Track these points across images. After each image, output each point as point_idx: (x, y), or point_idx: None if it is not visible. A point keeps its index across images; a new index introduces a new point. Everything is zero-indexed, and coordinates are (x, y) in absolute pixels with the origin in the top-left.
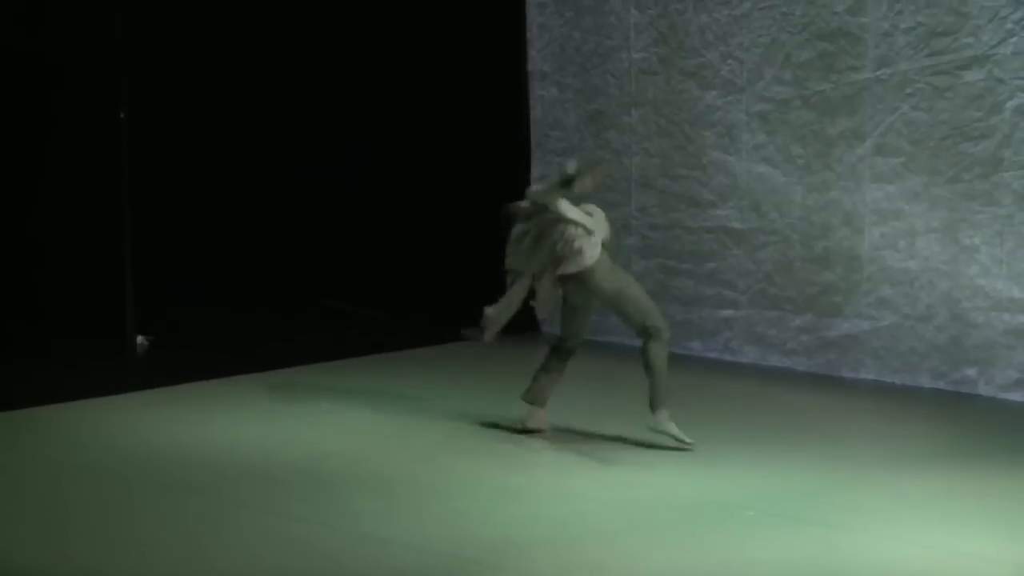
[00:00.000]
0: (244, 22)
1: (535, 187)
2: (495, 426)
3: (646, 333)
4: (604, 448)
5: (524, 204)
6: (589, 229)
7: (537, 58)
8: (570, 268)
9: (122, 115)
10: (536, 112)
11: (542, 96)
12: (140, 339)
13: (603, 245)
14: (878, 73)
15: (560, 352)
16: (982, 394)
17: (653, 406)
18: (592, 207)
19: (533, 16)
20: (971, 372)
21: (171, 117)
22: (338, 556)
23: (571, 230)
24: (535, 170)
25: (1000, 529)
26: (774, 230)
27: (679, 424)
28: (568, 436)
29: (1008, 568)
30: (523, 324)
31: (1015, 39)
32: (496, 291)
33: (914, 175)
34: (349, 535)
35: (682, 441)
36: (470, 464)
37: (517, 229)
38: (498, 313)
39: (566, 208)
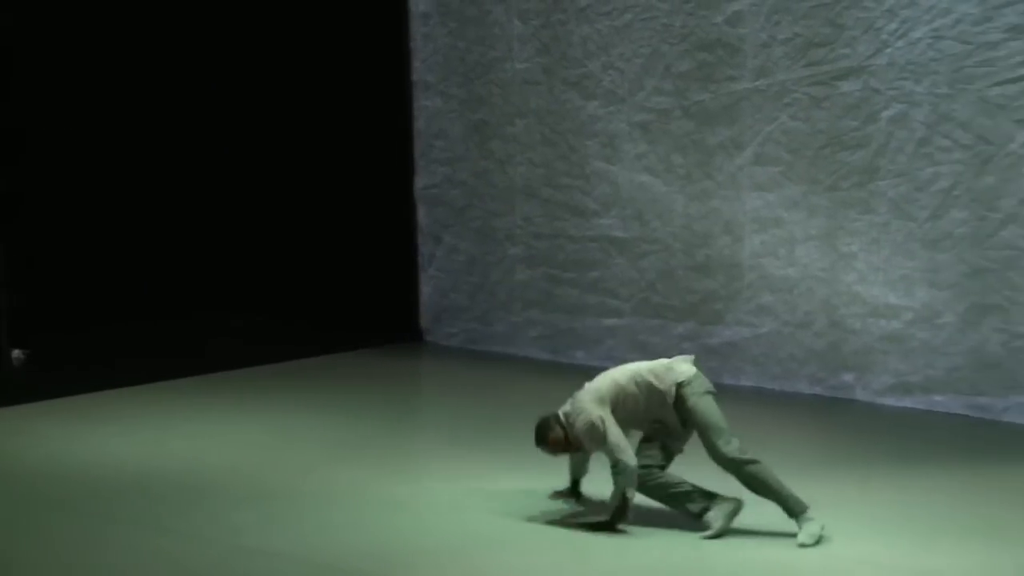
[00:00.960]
0: (119, 32)
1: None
2: (378, 436)
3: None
4: (490, 458)
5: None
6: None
7: (421, 68)
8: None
9: None
10: (420, 123)
11: (426, 106)
12: (16, 353)
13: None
14: (756, 83)
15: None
16: (859, 399)
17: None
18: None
19: (417, 27)
20: (848, 378)
21: (43, 127)
22: (214, 569)
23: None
24: (419, 180)
25: (882, 532)
26: (656, 239)
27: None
28: (454, 446)
29: (891, 573)
30: (404, 332)
31: (889, 50)
32: (378, 300)
33: (793, 184)
34: (227, 548)
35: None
36: (353, 475)
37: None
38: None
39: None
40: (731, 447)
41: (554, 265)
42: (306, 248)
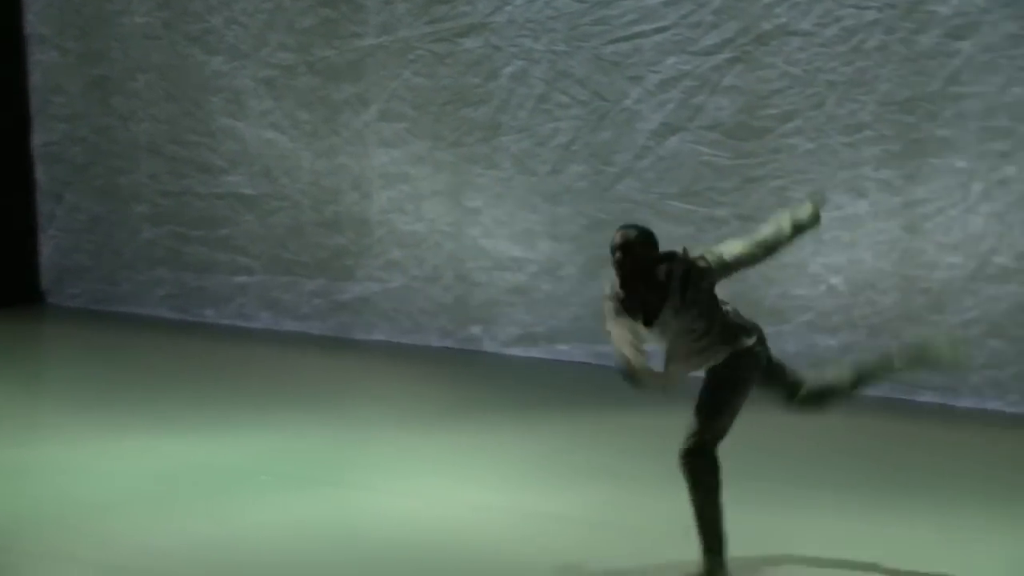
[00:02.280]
0: None
1: None
2: None
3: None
4: (115, 420)
5: None
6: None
7: (34, 21)
8: None
9: None
10: (36, 77)
11: (41, 61)
12: None
13: None
14: (380, 40)
15: None
16: (487, 350)
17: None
18: None
19: None
20: (476, 330)
21: None
22: None
23: None
24: (37, 137)
25: (509, 479)
26: (285, 196)
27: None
28: (79, 410)
29: (518, 516)
30: (23, 294)
31: (509, 7)
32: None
33: (418, 140)
34: None
35: None
36: None
37: None
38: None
39: None
40: None
41: (181, 223)
42: None
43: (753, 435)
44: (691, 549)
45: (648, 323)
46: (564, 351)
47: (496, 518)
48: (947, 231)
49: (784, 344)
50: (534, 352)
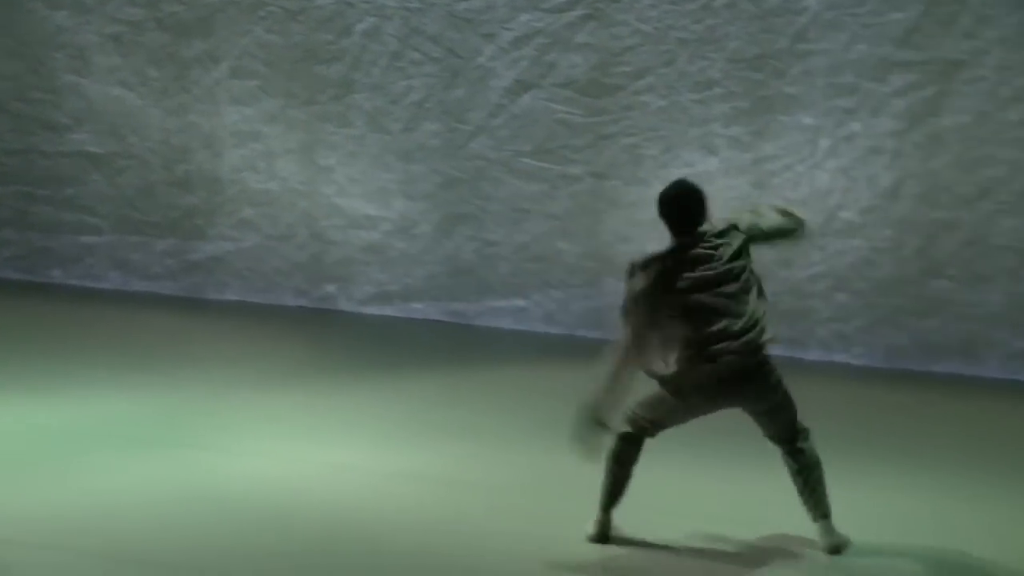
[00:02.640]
0: None
1: None
2: None
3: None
4: None
5: None
6: None
7: None
8: None
9: None
10: None
11: None
12: None
13: None
14: None
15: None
16: (343, 309)
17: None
18: None
19: None
20: (331, 288)
21: None
22: None
23: None
24: None
25: (365, 438)
26: (133, 154)
27: None
28: None
29: (375, 476)
30: None
31: None
32: None
33: (270, 97)
34: None
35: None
36: None
37: None
38: None
39: None
40: None
41: (27, 182)
42: None
43: None
44: (548, 503)
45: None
46: (419, 309)
47: (354, 478)
48: (795, 187)
49: None
50: (389, 311)
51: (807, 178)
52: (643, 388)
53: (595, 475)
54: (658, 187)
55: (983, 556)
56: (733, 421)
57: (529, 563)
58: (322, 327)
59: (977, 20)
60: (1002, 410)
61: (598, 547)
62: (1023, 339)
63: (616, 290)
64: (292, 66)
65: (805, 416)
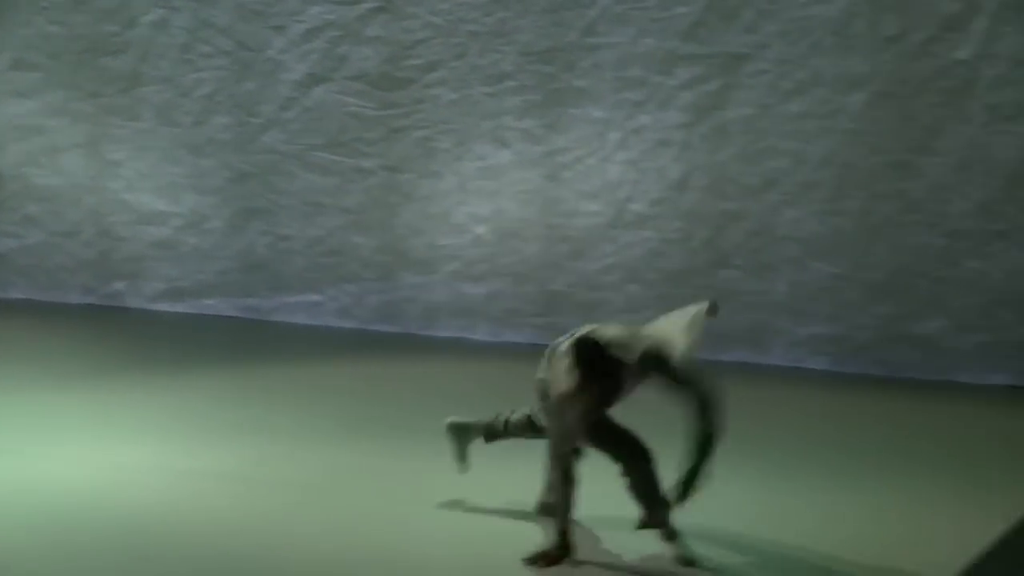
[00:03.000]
0: None
1: None
2: None
3: None
4: None
5: None
6: None
7: None
8: None
9: None
10: None
11: None
12: None
13: None
14: None
15: None
16: (132, 306)
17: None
18: None
19: None
20: (120, 285)
21: None
22: None
23: None
24: None
25: (158, 437)
26: None
27: None
28: None
29: (170, 475)
30: None
31: None
32: None
33: (54, 90)
34: None
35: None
36: None
37: None
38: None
39: None
40: None
41: None
42: None
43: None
44: (346, 500)
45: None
46: (211, 305)
47: (145, 478)
48: (586, 179)
49: (433, 293)
50: (181, 307)
51: (597, 171)
52: None
53: (389, 470)
54: (451, 180)
55: (766, 535)
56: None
57: (332, 561)
58: (111, 325)
59: (758, 14)
60: (786, 396)
61: (396, 543)
62: (805, 327)
63: (411, 284)
64: (76, 58)
65: None
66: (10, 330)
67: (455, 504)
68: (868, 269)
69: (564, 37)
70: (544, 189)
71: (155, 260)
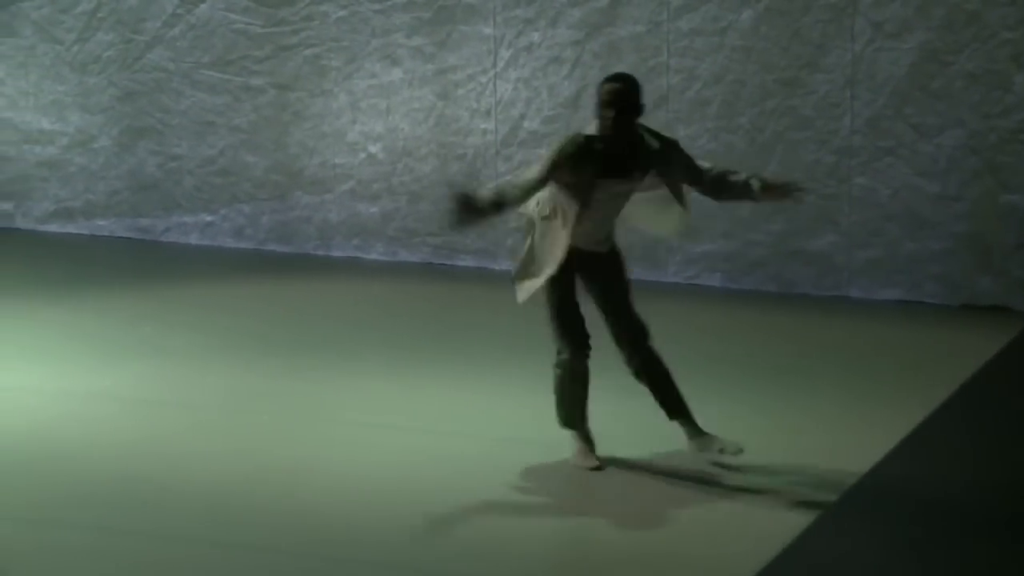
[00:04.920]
0: None
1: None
2: None
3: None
4: None
5: None
6: None
7: None
8: None
9: None
10: None
11: None
12: None
13: None
14: None
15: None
16: (20, 227)
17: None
18: None
19: None
20: (8, 206)
21: None
22: None
23: None
24: None
25: (51, 360)
26: None
27: None
28: None
29: (66, 398)
30: None
31: None
32: None
33: None
34: None
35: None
36: None
37: None
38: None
39: None
40: None
41: None
42: None
43: None
44: (245, 420)
45: (621, 174)
46: (103, 226)
47: (37, 400)
48: (478, 97)
49: (328, 213)
50: (71, 228)
51: (489, 88)
52: None
53: (287, 390)
54: (343, 99)
55: (661, 449)
56: None
57: (240, 481)
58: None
59: None
60: (682, 313)
61: (302, 462)
62: (699, 245)
63: (305, 204)
64: None
65: (494, 320)
66: None
67: (355, 422)
68: None
69: None
70: (436, 107)
71: (43, 180)
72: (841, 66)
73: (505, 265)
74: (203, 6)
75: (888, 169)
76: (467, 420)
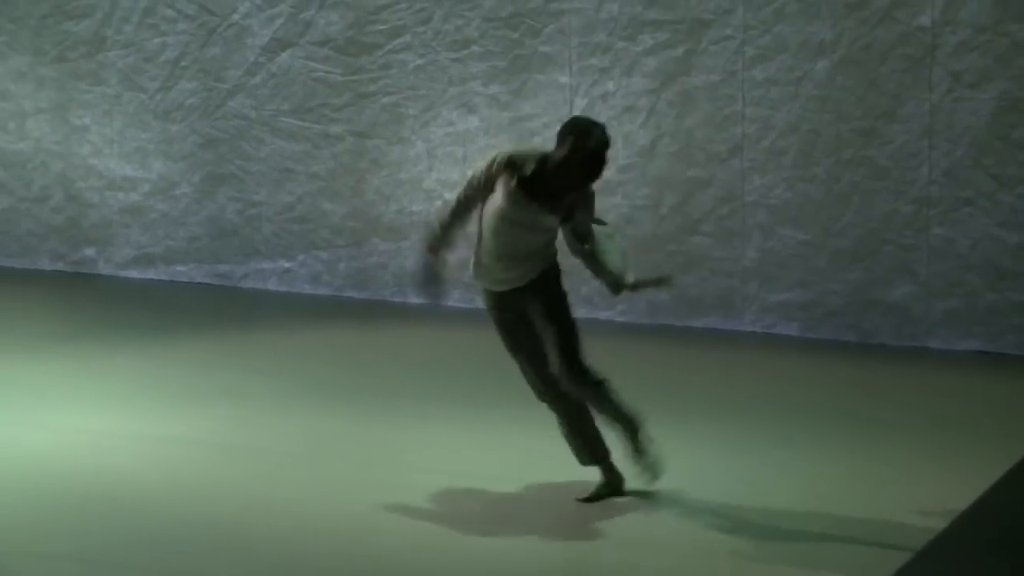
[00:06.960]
0: None
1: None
2: None
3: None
4: None
5: None
6: None
7: None
8: None
9: None
10: None
11: None
12: None
13: None
14: None
15: None
16: (102, 273)
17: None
18: None
19: None
20: (90, 252)
21: None
22: None
23: None
24: None
25: (130, 404)
26: None
27: None
28: None
29: (143, 442)
30: None
31: None
32: None
33: (18, 54)
34: None
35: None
36: None
37: None
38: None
39: None
40: None
41: None
42: None
43: None
44: (322, 467)
45: (548, 208)
46: (182, 272)
47: (116, 444)
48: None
49: (404, 260)
50: (151, 274)
51: None
52: None
53: (364, 437)
54: (421, 146)
55: (740, 501)
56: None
57: (314, 527)
58: (81, 291)
59: None
60: (758, 362)
61: (376, 510)
62: (775, 293)
63: (382, 250)
64: (39, 22)
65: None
66: None
67: (431, 470)
68: (836, 235)
69: (527, 3)
70: None
71: (124, 226)
72: (918, 116)
73: (582, 312)
74: (284, 55)
75: (967, 220)
76: (543, 471)
